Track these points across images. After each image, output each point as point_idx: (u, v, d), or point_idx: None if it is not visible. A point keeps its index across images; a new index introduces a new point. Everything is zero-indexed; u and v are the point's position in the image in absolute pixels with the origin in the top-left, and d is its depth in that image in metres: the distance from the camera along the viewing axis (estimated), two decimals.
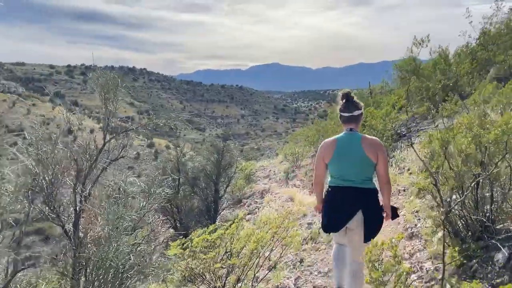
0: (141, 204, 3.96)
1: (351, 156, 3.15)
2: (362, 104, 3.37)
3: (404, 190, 6.48)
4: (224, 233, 4.54)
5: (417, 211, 5.11)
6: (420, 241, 4.22)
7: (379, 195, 3.20)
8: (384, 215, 3.17)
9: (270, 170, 17.51)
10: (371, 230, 3.09)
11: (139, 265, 3.97)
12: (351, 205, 3.11)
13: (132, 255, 3.84)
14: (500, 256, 2.69)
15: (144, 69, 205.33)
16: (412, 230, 4.51)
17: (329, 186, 3.28)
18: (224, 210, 11.74)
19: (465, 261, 2.87)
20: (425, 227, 4.40)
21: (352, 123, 3.26)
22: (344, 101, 3.32)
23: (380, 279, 2.04)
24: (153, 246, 4.19)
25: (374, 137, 3.31)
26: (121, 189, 4.22)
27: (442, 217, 2.97)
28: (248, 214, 10.89)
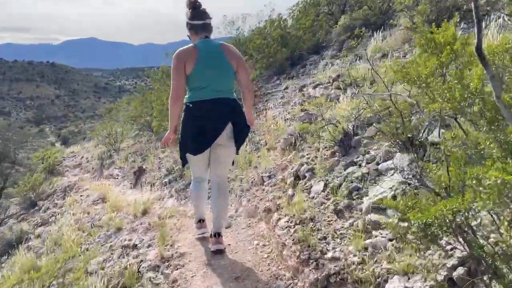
0: None
1: (216, 63, 2.81)
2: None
3: (269, 177, 4.32)
4: None
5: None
6: None
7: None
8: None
9: (82, 157, 13.80)
10: (241, 141, 3.02)
11: None
12: (221, 118, 2.85)
13: None
14: None
15: None
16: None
17: (190, 102, 2.84)
18: (3, 223, 7.98)
19: None
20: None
21: (206, 31, 2.92)
22: (191, 9, 2.89)
23: None
24: None
25: (231, 45, 3.03)
26: None
27: None
28: (41, 225, 7.47)
